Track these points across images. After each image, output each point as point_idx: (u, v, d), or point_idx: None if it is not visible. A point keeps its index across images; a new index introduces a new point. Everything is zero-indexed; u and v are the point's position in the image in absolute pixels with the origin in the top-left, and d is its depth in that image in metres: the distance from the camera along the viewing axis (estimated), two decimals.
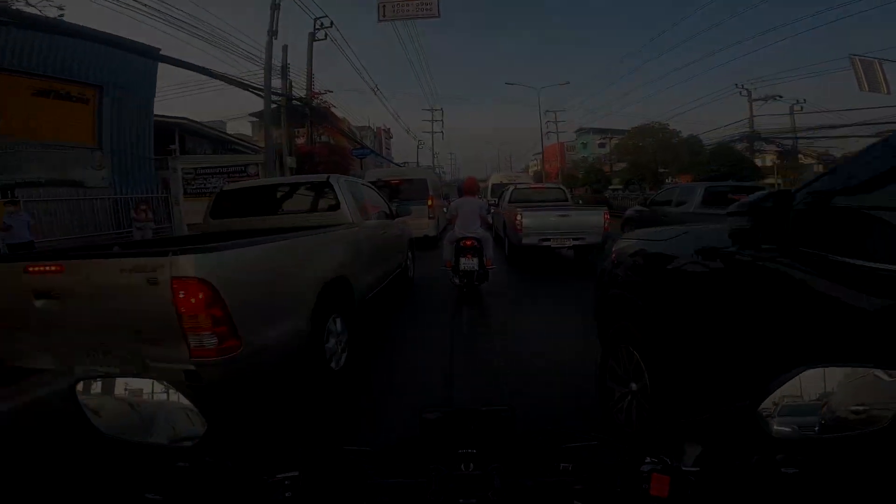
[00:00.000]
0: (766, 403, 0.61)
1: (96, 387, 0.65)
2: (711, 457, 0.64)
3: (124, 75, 11.85)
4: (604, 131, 44.35)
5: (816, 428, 0.61)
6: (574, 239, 7.45)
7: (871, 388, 0.60)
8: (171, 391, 0.67)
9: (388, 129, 43.67)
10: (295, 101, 15.51)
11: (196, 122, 15.79)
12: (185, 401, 0.66)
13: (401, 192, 10.24)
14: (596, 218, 7.51)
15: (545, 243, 7.43)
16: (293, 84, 15.39)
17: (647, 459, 0.65)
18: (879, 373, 0.59)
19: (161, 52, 10.91)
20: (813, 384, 0.61)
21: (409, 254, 6.34)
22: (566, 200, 9.81)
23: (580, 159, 39.31)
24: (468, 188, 5.90)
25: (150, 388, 0.67)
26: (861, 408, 0.59)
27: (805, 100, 25.17)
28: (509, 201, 9.29)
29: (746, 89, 25.73)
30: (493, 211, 11.86)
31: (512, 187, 9.99)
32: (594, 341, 2.58)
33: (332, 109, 18.27)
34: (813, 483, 0.60)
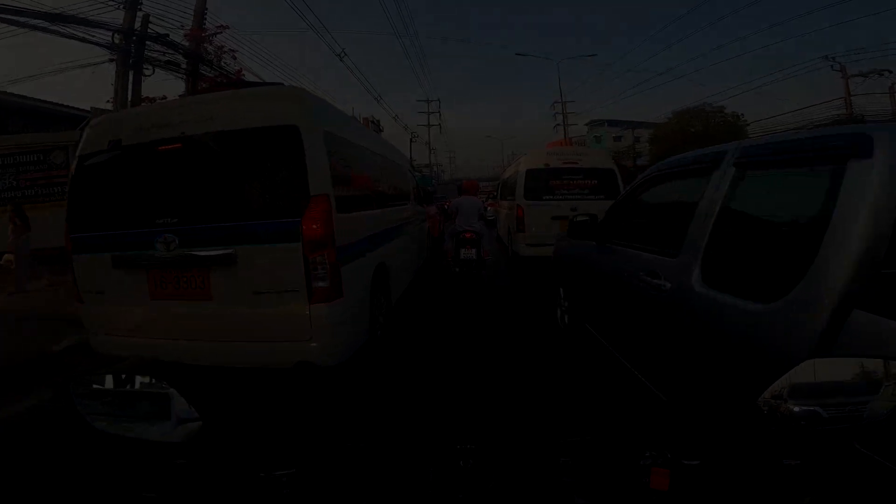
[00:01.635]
0: (767, 395, 0.59)
1: (91, 384, 0.67)
2: (712, 449, 0.62)
3: None
4: (620, 123, 42.71)
5: (816, 419, 0.59)
6: None
7: (870, 380, 0.57)
8: (167, 387, 0.68)
9: (378, 120, 36.57)
10: (152, 45, 8.50)
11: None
12: (180, 398, 0.67)
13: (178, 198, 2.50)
14: None
15: None
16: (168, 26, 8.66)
17: (647, 453, 0.64)
18: (879, 364, 0.57)
19: None
20: (813, 376, 0.59)
21: None
22: None
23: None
24: (468, 188, 6.80)
25: (145, 385, 0.68)
26: (860, 400, 0.57)
27: None
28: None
29: (839, 63, 19.20)
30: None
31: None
32: None
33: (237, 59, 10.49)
34: (814, 474, 0.57)
